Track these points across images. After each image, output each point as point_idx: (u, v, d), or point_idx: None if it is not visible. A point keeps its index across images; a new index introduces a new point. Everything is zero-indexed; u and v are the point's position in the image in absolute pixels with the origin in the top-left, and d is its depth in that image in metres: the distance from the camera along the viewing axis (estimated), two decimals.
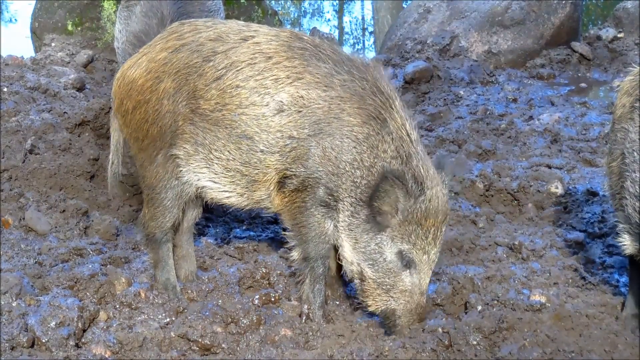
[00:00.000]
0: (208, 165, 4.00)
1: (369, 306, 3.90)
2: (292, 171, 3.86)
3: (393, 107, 3.81)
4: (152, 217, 4.16)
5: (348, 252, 3.88)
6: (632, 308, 3.90)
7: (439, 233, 3.74)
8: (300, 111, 3.82)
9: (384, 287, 3.81)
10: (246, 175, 3.95)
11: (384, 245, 3.77)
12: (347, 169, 3.79)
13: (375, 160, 3.76)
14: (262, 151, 3.87)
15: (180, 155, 4.02)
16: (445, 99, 8.17)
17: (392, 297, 3.81)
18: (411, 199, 3.67)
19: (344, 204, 3.84)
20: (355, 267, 3.87)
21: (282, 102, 3.83)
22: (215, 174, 4.00)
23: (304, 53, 3.88)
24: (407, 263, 3.77)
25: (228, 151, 3.93)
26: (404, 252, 3.75)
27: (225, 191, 4.05)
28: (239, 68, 3.88)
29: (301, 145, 3.82)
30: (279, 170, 3.89)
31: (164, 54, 4.00)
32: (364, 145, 3.77)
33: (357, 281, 3.92)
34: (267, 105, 3.84)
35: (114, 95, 4.18)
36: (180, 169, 4.05)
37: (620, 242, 3.78)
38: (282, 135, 3.83)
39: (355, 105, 3.79)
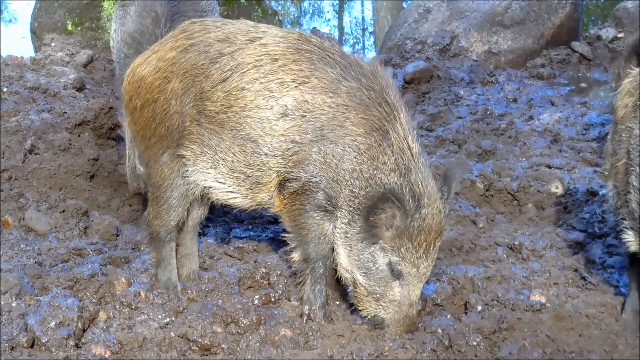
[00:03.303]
0: (214, 166, 4.00)
1: (361, 311, 3.92)
2: (292, 175, 3.86)
3: (397, 119, 3.80)
4: (157, 215, 4.17)
5: (343, 259, 3.89)
6: (633, 310, 3.89)
7: (431, 248, 3.74)
8: (304, 116, 3.81)
9: (374, 296, 3.83)
10: (250, 177, 3.95)
11: (377, 255, 3.78)
12: (346, 177, 3.79)
13: (375, 172, 3.75)
14: (265, 154, 3.87)
15: (188, 156, 4.02)
16: (445, 99, 8.17)
17: (381, 305, 3.83)
18: (408, 217, 3.67)
19: (342, 211, 3.84)
20: (349, 275, 3.89)
21: (286, 106, 3.82)
22: (221, 174, 4.01)
23: (312, 57, 3.86)
24: (397, 274, 3.77)
25: (233, 153, 3.93)
26: (393, 264, 3.76)
27: (230, 192, 4.05)
28: (244, 70, 3.87)
29: (303, 150, 3.82)
30: (280, 173, 3.89)
31: (173, 53, 4.00)
32: (365, 156, 3.76)
33: (350, 287, 3.95)
34: (271, 108, 3.83)
35: (123, 91, 4.20)
36: (187, 168, 4.06)
37: (625, 238, 3.78)
38: (285, 139, 3.83)
39: (360, 115, 3.78)
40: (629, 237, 3.77)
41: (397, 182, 3.71)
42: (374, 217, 3.70)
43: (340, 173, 3.79)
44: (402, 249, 3.72)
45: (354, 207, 3.80)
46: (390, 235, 3.72)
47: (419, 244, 3.71)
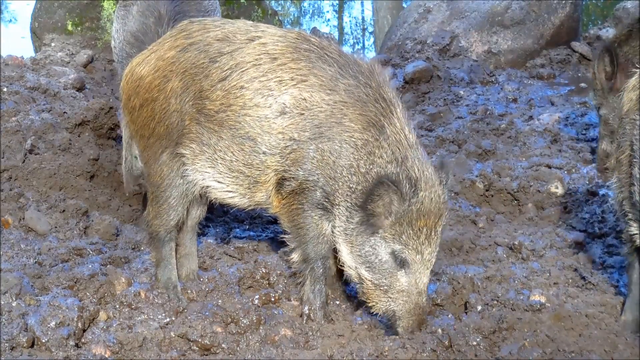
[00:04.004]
0: (213, 165, 4.01)
1: (372, 307, 3.90)
2: (290, 173, 3.86)
3: (393, 113, 3.81)
4: (157, 215, 4.17)
5: (346, 257, 3.88)
6: (633, 312, 3.88)
7: (432, 233, 3.73)
8: (302, 114, 3.82)
9: (382, 288, 3.81)
10: (249, 176, 3.96)
11: (378, 247, 3.77)
12: (344, 174, 3.79)
13: (371, 167, 3.76)
14: (264, 152, 3.88)
15: (187, 155, 4.03)
16: (445, 99, 8.17)
17: (390, 297, 3.81)
18: (405, 202, 3.67)
19: (340, 208, 3.85)
20: (354, 272, 3.88)
21: (284, 104, 3.83)
22: (220, 173, 4.01)
23: (310, 55, 3.87)
24: (401, 263, 3.77)
25: (232, 152, 3.94)
26: (397, 252, 3.75)
27: (228, 191, 4.06)
28: (243, 69, 3.88)
29: (301, 148, 3.82)
30: (277, 172, 3.90)
31: (172, 53, 4.01)
32: (362, 152, 3.77)
33: (357, 285, 3.93)
34: (270, 107, 3.84)
35: (121, 91, 4.21)
36: (186, 167, 4.07)
37: (630, 232, 3.77)
38: (284, 137, 3.84)
39: (357, 111, 3.79)
40: (633, 229, 3.77)
41: (394, 171, 3.71)
42: (372, 205, 3.69)
43: (337, 170, 3.80)
44: (403, 236, 3.71)
45: (351, 203, 3.80)
46: (389, 223, 3.71)
47: (419, 229, 3.70)
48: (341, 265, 3.95)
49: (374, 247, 3.78)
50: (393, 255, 3.76)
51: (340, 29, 16.07)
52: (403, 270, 3.78)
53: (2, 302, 3.88)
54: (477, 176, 5.89)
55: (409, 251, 3.73)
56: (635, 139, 3.72)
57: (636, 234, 3.77)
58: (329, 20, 16.74)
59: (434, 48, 9.27)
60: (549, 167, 6.16)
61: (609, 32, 9.85)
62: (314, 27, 12.27)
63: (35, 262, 4.51)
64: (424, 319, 3.83)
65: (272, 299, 4.21)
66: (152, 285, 4.20)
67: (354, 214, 3.80)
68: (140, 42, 5.18)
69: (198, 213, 4.39)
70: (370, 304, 3.89)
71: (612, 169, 3.97)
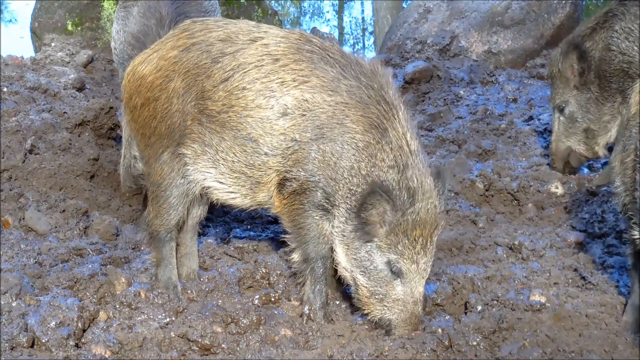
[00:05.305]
0: (215, 166, 4.01)
1: (367, 314, 3.90)
2: (292, 174, 3.86)
3: (396, 116, 3.80)
4: (157, 214, 4.17)
5: (342, 258, 3.89)
6: (634, 313, 3.88)
7: (428, 243, 3.72)
8: (304, 115, 3.82)
9: (377, 296, 3.82)
10: (250, 177, 3.96)
11: (374, 254, 3.77)
12: (344, 175, 3.79)
13: (372, 169, 3.75)
14: (265, 154, 3.88)
15: (188, 155, 4.03)
16: (445, 99, 8.16)
17: (386, 306, 3.81)
18: (399, 211, 3.66)
19: (340, 210, 3.85)
20: (349, 274, 3.89)
21: (286, 105, 3.83)
22: (222, 174, 4.02)
23: (312, 56, 3.87)
24: (397, 273, 3.76)
25: (233, 153, 3.94)
26: (392, 262, 3.75)
27: (230, 192, 4.06)
28: (246, 70, 3.88)
29: (302, 149, 3.82)
30: (279, 173, 3.90)
31: (175, 52, 4.01)
32: (363, 154, 3.76)
33: (352, 288, 3.94)
34: (272, 108, 3.84)
35: (123, 89, 4.21)
36: (187, 167, 4.06)
37: (634, 235, 3.77)
38: (285, 138, 3.84)
39: (359, 112, 3.79)
40: (636, 234, 3.76)
41: (395, 178, 3.71)
42: (365, 214, 3.69)
43: (338, 171, 3.80)
44: (398, 246, 3.71)
45: (350, 205, 3.80)
46: (384, 232, 3.72)
47: (415, 239, 3.69)
48: (336, 265, 3.95)
49: (369, 254, 3.78)
50: (389, 264, 3.76)
51: (340, 29, 16.07)
52: (399, 280, 3.78)
53: (2, 302, 3.88)
54: (477, 176, 5.89)
55: (405, 261, 3.73)
56: None
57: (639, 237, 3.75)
58: (329, 20, 16.74)
59: (434, 48, 9.26)
60: (549, 166, 6.16)
61: None
62: (314, 27, 12.27)
63: (35, 262, 4.51)
64: (420, 328, 3.83)
65: (272, 299, 4.21)
66: (152, 285, 4.20)
67: (352, 216, 3.80)
68: (141, 43, 5.18)
69: (199, 212, 4.39)
70: (366, 311, 3.90)
71: (616, 170, 3.94)
